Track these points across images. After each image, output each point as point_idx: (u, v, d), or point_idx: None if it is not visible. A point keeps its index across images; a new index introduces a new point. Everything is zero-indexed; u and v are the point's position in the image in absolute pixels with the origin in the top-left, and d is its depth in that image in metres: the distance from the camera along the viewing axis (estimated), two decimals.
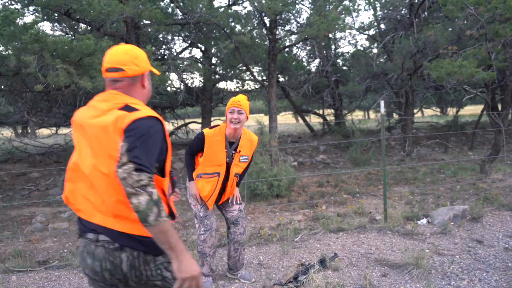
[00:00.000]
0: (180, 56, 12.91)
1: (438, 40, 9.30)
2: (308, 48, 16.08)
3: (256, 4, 7.57)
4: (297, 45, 14.39)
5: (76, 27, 9.78)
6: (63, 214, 6.99)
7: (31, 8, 7.62)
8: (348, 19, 13.17)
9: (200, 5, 7.72)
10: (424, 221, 5.52)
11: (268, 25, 8.94)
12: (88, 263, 1.89)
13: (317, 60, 16.52)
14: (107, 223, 1.83)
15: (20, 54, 5.10)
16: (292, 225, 5.57)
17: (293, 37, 10.47)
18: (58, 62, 5.13)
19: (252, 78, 11.63)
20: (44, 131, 20.04)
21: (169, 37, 12.70)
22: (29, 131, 23.28)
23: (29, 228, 6.13)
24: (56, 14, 6.69)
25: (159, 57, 12.04)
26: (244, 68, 12.43)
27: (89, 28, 7.76)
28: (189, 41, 13.11)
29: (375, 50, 14.54)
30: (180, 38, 13.03)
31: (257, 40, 10.13)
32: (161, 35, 12.49)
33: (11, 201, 8.28)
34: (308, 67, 16.99)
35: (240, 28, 8.35)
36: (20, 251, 4.86)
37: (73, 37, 5.33)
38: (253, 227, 5.66)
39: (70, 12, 6.10)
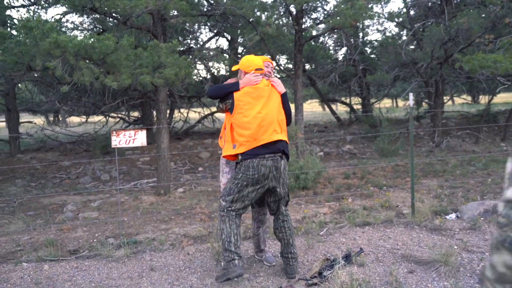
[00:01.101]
0: (206, 46, 12.92)
1: (472, 28, 8.97)
2: (335, 36, 15.84)
3: None
4: (324, 34, 14.20)
5: (104, 21, 9.90)
6: (93, 203, 7.17)
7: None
8: (377, 7, 12.87)
9: None
10: (453, 216, 5.41)
11: (294, 14, 8.83)
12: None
13: (344, 49, 16.29)
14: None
15: (45, 60, 5.23)
16: (318, 218, 5.55)
17: (320, 26, 10.30)
18: (82, 63, 5.21)
19: (278, 68, 11.55)
20: (75, 119, 20.59)
21: (196, 26, 12.73)
22: (60, 119, 23.93)
23: (61, 216, 6.32)
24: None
25: (186, 47, 12.10)
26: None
27: (115, 21, 7.84)
28: (215, 31, 13.11)
29: (404, 38, 14.20)
30: (206, 27, 13.05)
31: (283, 29, 10.02)
32: (187, 25, 12.53)
33: (43, 189, 8.55)
34: (335, 56, 16.76)
35: (265, 19, 8.28)
36: (52, 240, 5.02)
37: (93, 38, 5.38)
38: None
39: (95, 8, 6.17)
